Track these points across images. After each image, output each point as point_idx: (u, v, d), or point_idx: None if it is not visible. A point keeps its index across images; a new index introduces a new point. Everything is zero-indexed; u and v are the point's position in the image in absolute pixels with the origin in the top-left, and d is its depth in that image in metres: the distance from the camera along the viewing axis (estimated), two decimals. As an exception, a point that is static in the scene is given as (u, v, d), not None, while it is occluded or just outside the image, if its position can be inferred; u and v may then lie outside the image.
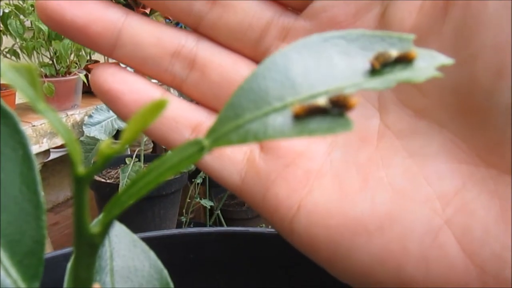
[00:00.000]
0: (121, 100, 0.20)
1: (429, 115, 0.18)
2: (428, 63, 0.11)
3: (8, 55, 1.09)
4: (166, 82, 0.21)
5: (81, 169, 0.10)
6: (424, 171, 0.17)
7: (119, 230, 0.19)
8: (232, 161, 0.20)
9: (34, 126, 1.04)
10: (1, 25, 1.05)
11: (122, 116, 0.20)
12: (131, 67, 0.21)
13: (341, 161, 0.19)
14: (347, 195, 0.18)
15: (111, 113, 1.13)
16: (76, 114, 1.16)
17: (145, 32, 0.20)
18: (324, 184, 0.19)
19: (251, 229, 0.30)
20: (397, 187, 0.17)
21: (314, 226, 0.18)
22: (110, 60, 0.90)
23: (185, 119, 0.21)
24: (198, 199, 1.27)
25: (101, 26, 0.20)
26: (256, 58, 0.21)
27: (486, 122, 0.16)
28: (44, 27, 1.06)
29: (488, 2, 0.15)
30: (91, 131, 1.11)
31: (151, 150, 1.45)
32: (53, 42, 1.09)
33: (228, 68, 0.21)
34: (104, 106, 1.15)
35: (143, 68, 0.21)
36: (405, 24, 0.18)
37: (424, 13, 0.17)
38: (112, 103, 0.20)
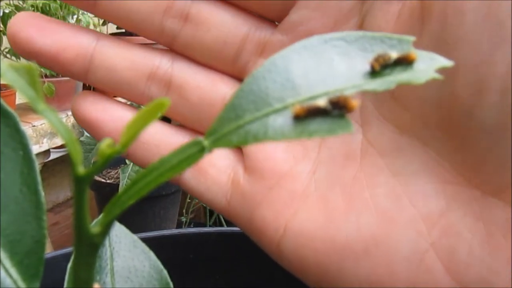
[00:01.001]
0: (102, 129, 0.20)
1: (411, 132, 0.17)
2: (428, 65, 0.11)
3: (8, 55, 1.09)
4: (145, 105, 0.21)
5: (81, 169, 0.10)
6: (408, 191, 0.17)
7: (119, 230, 0.19)
8: (216, 183, 0.20)
9: (34, 126, 1.04)
10: (1, 25, 1.05)
11: None
12: (107, 91, 0.21)
13: (326, 181, 0.18)
14: (333, 217, 0.18)
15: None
16: (76, 114, 1.16)
17: (117, 56, 0.20)
18: (309, 205, 0.18)
19: (251, 229, 0.30)
20: (381, 208, 0.17)
21: (302, 250, 0.18)
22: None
23: (167, 143, 0.20)
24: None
25: (72, 53, 0.19)
26: (234, 74, 0.21)
27: (468, 141, 0.16)
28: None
29: (465, 17, 0.15)
30: (91, 131, 1.11)
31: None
32: (53, 42, 1.08)
33: (206, 89, 0.20)
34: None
35: (119, 92, 0.20)
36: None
37: (402, 24, 0.17)
38: (94, 132, 0.20)
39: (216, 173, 0.20)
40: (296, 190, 0.19)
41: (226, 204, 0.20)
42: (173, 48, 0.20)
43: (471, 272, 0.16)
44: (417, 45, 0.16)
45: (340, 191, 0.18)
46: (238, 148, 0.21)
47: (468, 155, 0.16)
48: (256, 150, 0.20)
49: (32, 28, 0.19)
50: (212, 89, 0.20)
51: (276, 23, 0.20)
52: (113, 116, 0.20)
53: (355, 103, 0.10)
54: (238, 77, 0.21)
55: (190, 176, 0.20)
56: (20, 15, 0.19)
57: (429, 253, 0.16)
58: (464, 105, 0.15)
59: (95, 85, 0.20)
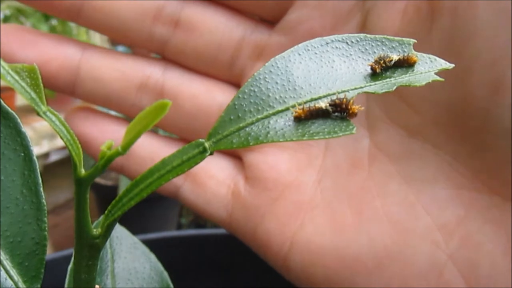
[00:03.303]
0: (92, 144, 0.19)
1: (422, 135, 0.16)
2: (429, 67, 0.11)
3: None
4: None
5: (82, 171, 0.10)
6: (422, 199, 0.16)
7: (120, 232, 0.19)
8: (216, 196, 0.19)
9: (34, 127, 1.04)
10: (2, 27, 1.05)
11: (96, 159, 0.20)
12: (95, 105, 0.20)
13: (332, 190, 0.18)
14: (342, 229, 0.17)
15: (113, 113, 1.12)
16: (76, 116, 1.16)
17: (105, 67, 0.19)
18: (316, 217, 0.17)
19: (251, 231, 0.29)
20: (394, 218, 0.16)
21: (310, 265, 0.17)
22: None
23: (162, 157, 0.20)
24: (198, 201, 1.27)
25: (56, 65, 0.18)
26: (231, 81, 0.20)
27: (485, 143, 0.15)
28: (45, 29, 1.06)
29: (478, 11, 0.14)
30: (92, 133, 1.11)
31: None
32: (54, 43, 1.08)
33: (202, 97, 0.19)
34: (105, 108, 1.14)
35: (108, 104, 0.20)
36: (387, 33, 0.16)
37: (408, 21, 0.16)
38: (85, 147, 0.19)
39: (215, 185, 0.19)
40: (301, 201, 0.18)
41: (228, 217, 0.19)
42: (165, 55, 0.19)
43: (495, 286, 0.15)
44: (427, 42, 0.15)
45: (347, 201, 0.17)
46: (238, 158, 0.20)
47: (486, 159, 0.15)
48: (258, 160, 0.19)
49: (13, 41, 0.18)
50: (207, 97, 0.19)
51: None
52: (104, 131, 0.19)
53: (357, 108, 0.10)
54: (236, 83, 0.20)
55: (189, 190, 0.20)
56: (2, 28, 0.18)
57: (448, 266, 0.15)
58: (479, 106, 0.14)
59: (83, 98, 0.20)
